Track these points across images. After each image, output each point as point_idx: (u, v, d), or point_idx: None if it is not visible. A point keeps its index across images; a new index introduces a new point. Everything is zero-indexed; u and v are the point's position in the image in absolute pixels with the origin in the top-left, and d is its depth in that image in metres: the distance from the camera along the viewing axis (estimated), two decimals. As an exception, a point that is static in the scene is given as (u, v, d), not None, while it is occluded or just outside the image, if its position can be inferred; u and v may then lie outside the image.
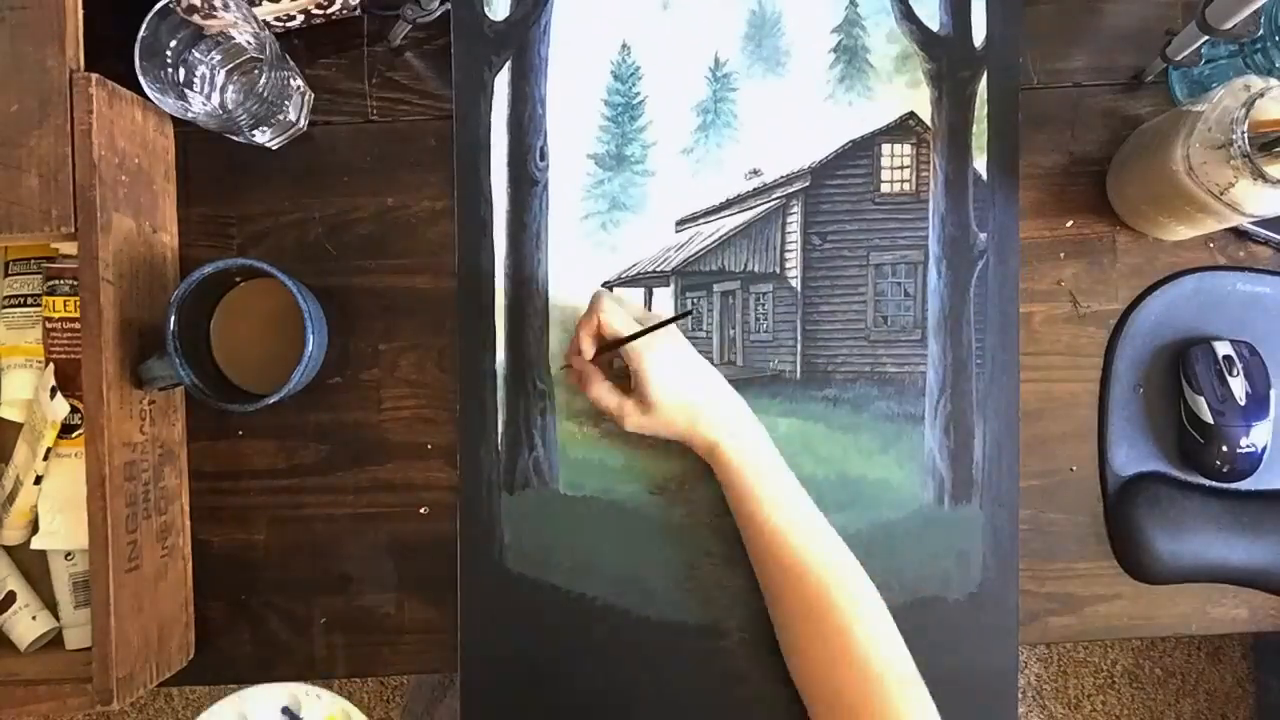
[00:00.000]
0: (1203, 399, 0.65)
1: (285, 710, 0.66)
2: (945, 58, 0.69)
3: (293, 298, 0.61)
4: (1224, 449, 0.65)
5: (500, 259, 0.69)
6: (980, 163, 0.68)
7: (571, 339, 0.66)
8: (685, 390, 0.62)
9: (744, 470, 0.62)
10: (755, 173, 0.69)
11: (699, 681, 0.68)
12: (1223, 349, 0.66)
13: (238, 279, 0.66)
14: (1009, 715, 0.67)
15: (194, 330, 0.64)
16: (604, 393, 0.63)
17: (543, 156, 0.69)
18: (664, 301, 0.70)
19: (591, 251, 0.69)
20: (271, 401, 0.61)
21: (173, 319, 0.59)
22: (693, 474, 0.68)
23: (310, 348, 0.61)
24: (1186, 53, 0.63)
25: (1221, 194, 0.56)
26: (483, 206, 0.69)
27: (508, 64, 0.69)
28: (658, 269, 0.69)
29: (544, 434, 0.69)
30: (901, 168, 0.69)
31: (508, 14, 0.69)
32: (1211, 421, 0.65)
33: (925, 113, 0.69)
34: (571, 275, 0.69)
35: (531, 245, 0.69)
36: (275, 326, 0.66)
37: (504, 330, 0.69)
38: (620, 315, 0.61)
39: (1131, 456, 0.68)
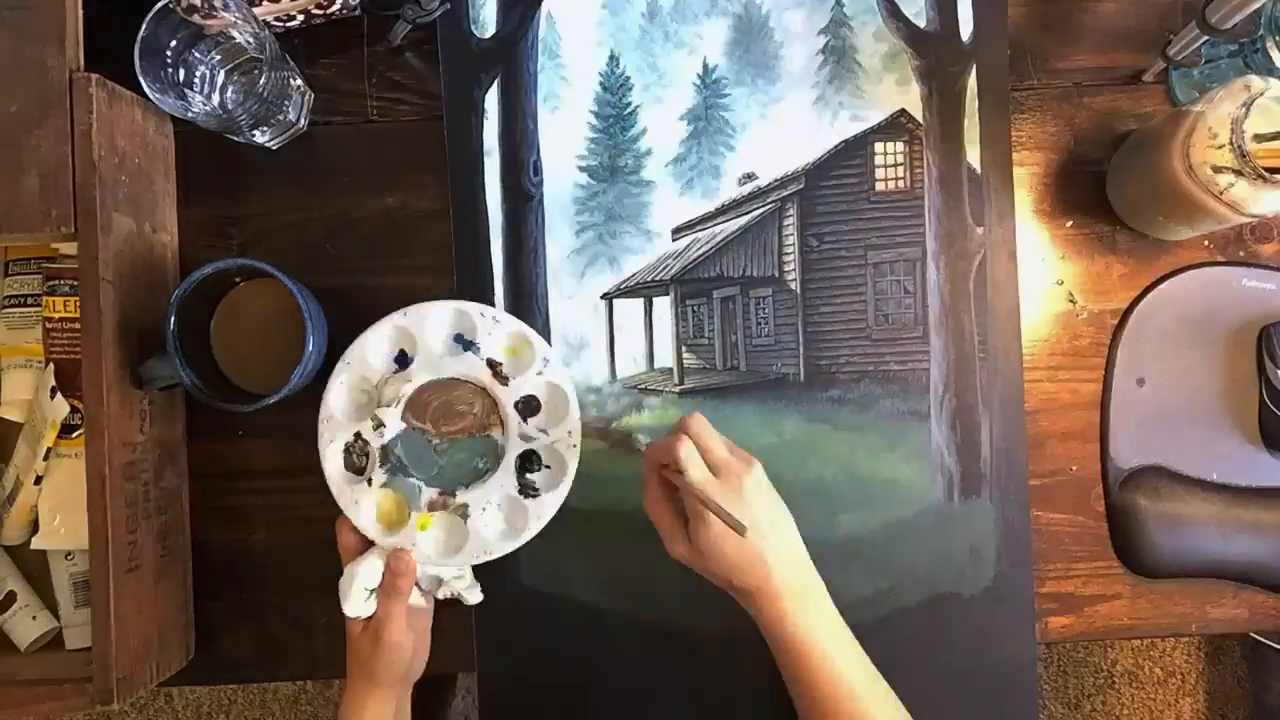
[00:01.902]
0: None
1: (459, 338, 0.62)
2: (933, 54, 0.69)
3: (293, 298, 0.61)
4: None
5: (499, 275, 0.69)
6: (973, 157, 0.69)
7: (660, 444, 0.58)
8: (744, 556, 0.56)
9: (812, 650, 0.57)
10: (749, 177, 0.69)
11: (720, 685, 0.68)
12: None
13: (238, 279, 0.66)
14: (1029, 706, 0.67)
15: (194, 330, 0.64)
16: (661, 512, 0.58)
17: (536, 171, 0.69)
18: (664, 310, 0.69)
19: (589, 264, 0.69)
20: (271, 401, 0.61)
21: (172, 319, 0.59)
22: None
23: (310, 348, 0.61)
24: (1186, 53, 0.64)
25: (1221, 194, 0.56)
26: (479, 223, 0.69)
27: (497, 81, 0.69)
28: (656, 278, 0.69)
29: None
30: (895, 165, 0.69)
31: (495, 31, 0.69)
32: None
33: (916, 109, 0.69)
34: (571, 288, 0.69)
35: (529, 260, 0.69)
36: (275, 326, 0.65)
37: None
38: (697, 461, 0.56)
39: (1133, 450, 0.68)
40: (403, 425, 0.62)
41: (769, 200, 0.69)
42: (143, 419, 0.62)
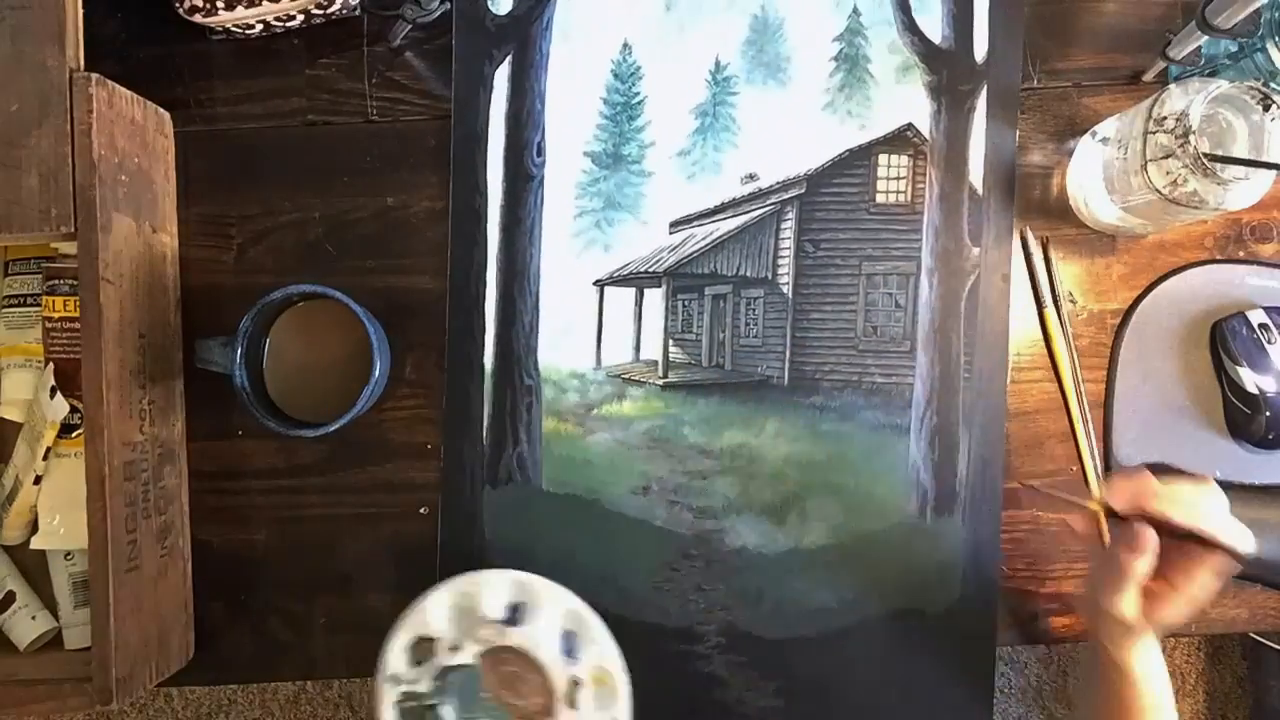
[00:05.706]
0: (1244, 369, 0.64)
1: (566, 635, 0.59)
2: (946, 71, 0.68)
3: (355, 320, 0.61)
4: (1271, 417, 0.64)
5: (493, 252, 0.69)
6: (976, 177, 0.68)
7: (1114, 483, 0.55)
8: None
9: (1143, 679, 0.57)
10: (751, 177, 0.69)
11: (675, 683, 0.68)
12: (1257, 317, 0.65)
13: (296, 301, 0.65)
14: None
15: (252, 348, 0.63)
16: (1137, 562, 0.54)
17: (540, 152, 0.69)
18: (655, 302, 0.69)
19: (584, 249, 0.69)
20: (332, 430, 0.60)
21: (251, 319, 0.59)
22: (676, 476, 0.68)
23: (377, 373, 0.60)
24: (1186, 53, 0.64)
25: (1187, 202, 0.57)
26: (477, 199, 0.69)
27: (509, 58, 0.69)
28: (650, 269, 0.69)
29: (529, 429, 0.69)
30: (897, 179, 0.69)
31: (511, 8, 0.69)
32: (1255, 391, 0.64)
33: (924, 125, 0.69)
34: (564, 272, 0.69)
35: (525, 240, 0.69)
36: (328, 348, 0.65)
37: (493, 324, 0.69)
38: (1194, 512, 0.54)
39: (1137, 447, 0.68)
40: (474, 663, 0.59)
41: (769, 202, 0.69)
42: (142, 419, 0.62)
